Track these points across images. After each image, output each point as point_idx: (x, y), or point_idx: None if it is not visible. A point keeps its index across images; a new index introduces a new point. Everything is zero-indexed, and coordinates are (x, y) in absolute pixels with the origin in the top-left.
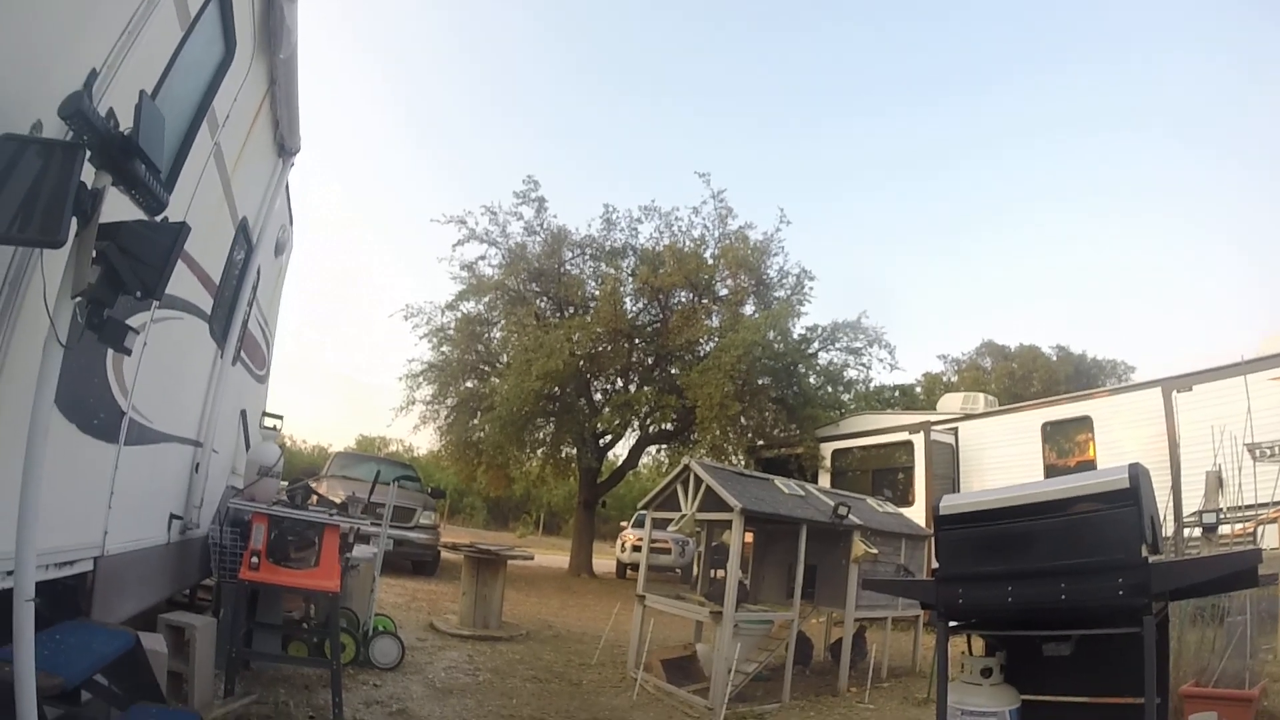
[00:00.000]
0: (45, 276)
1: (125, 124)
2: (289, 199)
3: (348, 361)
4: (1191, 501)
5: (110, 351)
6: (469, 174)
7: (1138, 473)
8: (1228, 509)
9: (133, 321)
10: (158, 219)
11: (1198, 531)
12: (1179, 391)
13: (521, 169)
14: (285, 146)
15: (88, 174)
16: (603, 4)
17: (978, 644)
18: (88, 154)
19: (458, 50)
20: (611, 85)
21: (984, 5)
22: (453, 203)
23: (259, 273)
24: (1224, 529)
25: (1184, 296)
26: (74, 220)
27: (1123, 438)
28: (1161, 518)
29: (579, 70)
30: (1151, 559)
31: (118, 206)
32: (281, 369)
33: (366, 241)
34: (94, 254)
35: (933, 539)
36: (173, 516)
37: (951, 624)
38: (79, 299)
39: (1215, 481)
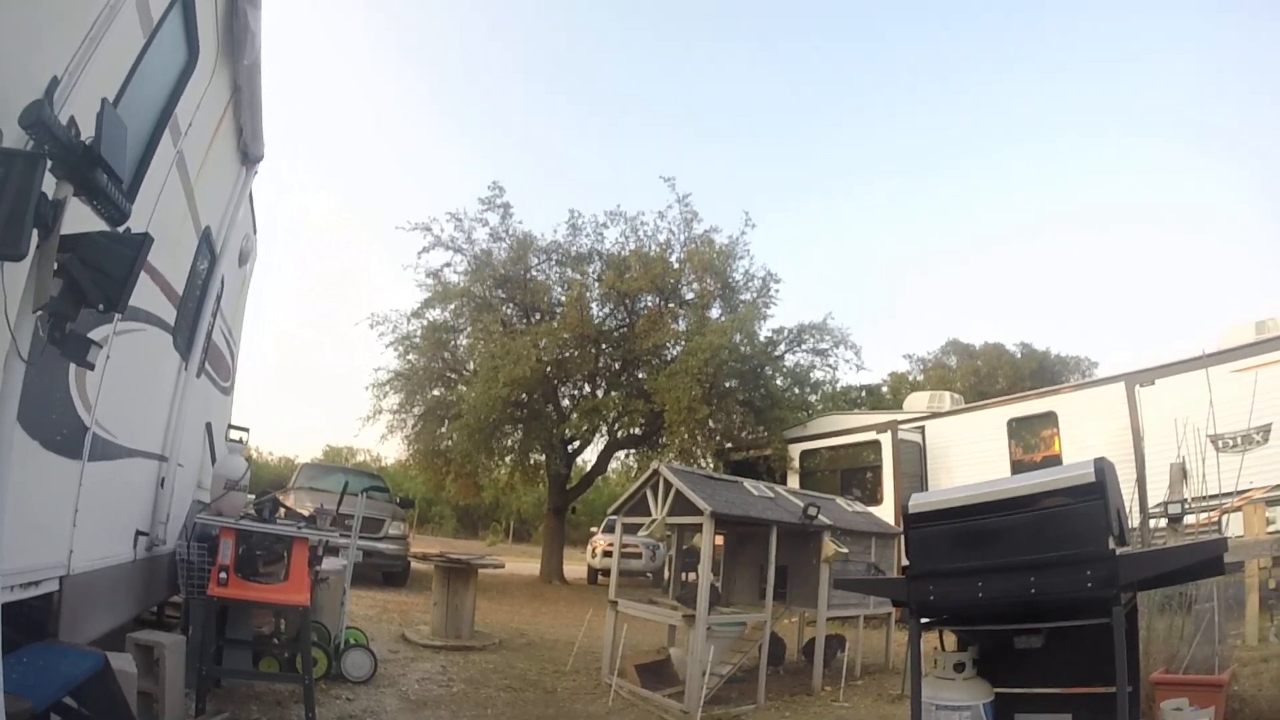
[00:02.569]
0: (5, 290)
1: (87, 133)
2: (253, 207)
3: (316, 369)
4: (1156, 493)
5: (73, 366)
6: (436, 181)
7: (1103, 467)
8: (1192, 499)
9: (95, 335)
10: (120, 230)
11: (1164, 522)
12: (1142, 386)
13: (486, 175)
14: (249, 154)
15: (49, 184)
16: (569, 14)
17: (950, 639)
18: (49, 164)
19: (425, 57)
20: (578, 93)
21: (944, 9)
22: (420, 209)
23: (223, 283)
24: (1189, 519)
25: (1146, 292)
26: (35, 232)
27: (1087, 432)
28: (1127, 510)
29: (545, 78)
30: (1119, 550)
31: (79, 217)
32: (246, 379)
33: (337, 249)
34: (55, 266)
35: (903, 537)
36: (139, 533)
37: (924, 620)
38: (40, 313)
39: (1179, 473)
